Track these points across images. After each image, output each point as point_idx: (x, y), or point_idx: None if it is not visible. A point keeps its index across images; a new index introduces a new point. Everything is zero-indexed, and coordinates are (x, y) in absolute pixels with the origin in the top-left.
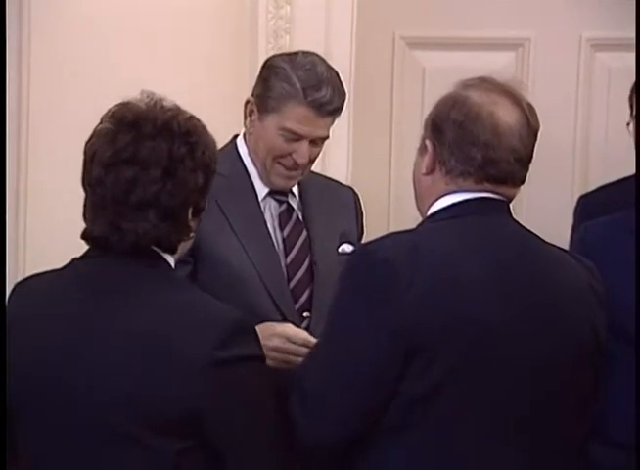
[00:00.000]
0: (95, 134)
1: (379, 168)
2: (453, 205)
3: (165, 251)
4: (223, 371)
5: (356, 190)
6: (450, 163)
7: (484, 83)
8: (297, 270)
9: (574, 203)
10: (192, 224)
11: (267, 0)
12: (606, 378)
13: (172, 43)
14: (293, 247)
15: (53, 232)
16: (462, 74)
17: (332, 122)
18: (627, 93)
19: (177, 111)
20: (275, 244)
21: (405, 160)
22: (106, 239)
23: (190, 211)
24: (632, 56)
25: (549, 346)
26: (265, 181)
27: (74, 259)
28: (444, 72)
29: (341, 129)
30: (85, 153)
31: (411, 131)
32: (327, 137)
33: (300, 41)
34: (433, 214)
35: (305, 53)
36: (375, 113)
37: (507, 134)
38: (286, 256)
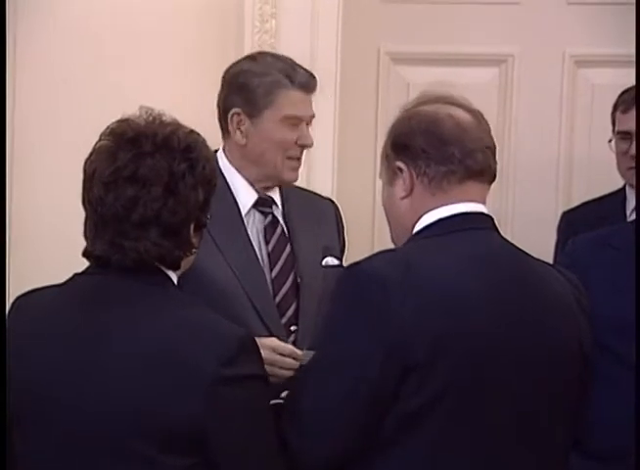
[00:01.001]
0: (94, 152)
1: (364, 182)
2: (440, 220)
3: (168, 267)
4: (228, 389)
5: (341, 203)
6: (430, 169)
7: (425, 98)
8: (283, 284)
9: (558, 217)
10: (194, 240)
11: (253, 14)
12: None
13: (159, 56)
14: (278, 261)
15: (40, 244)
16: (446, 89)
17: None
18: (610, 109)
19: (177, 126)
20: (260, 258)
21: None
22: (107, 258)
23: (192, 226)
24: (615, 72)
25: (539, 361)
26: (276, 181)
27: (75, 275)
28: (429, 87)
29: (326, 143)
30: (85, 171)
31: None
32: (314, 116)
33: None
34: (419, 232)
35: (258, 53)
36: (360, 127)
37: (470, 128)
38: (271, 270)
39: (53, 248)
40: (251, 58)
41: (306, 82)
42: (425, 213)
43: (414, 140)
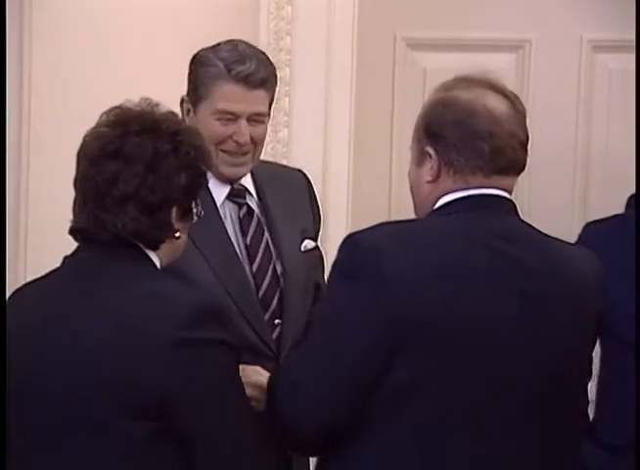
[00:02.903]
0: (88, 135)
1: (380, 168)
2: (457, 200)
3: (147, 246)
4: (187, 352)
5: (357, 190)
6: (459, 162)
7: (464, 81)
8: (264, 277)
9: (575, 204)
10: (177, 226)
11: (268, 1)
12: (602, 381)
13: (172, 47)
14: (257, 253)
15: (53, 238)
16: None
17: (268, 97)
18: (628, 94)
19: (170, 115)
20: (238, 251)
21: (407, 160)
22: (87, 231)
23: (174, 210)
24: (633, 57)
25: (537, 344)
26: (215, 174)
27: (65, 257)
28: (445, 74)
29: (342, 130)
30: (78, 154)
31: (412, 132)
32: (265, 114)
33: (301, 42)
34: (437, 209)
35: (227, 41)
36: (376, 113)
37: (505, 121)
38: (251, 264)
39: (68, 242)
40: (217, 44)
41: (247, 75)
42: (445, 195)
43: (446, 131)
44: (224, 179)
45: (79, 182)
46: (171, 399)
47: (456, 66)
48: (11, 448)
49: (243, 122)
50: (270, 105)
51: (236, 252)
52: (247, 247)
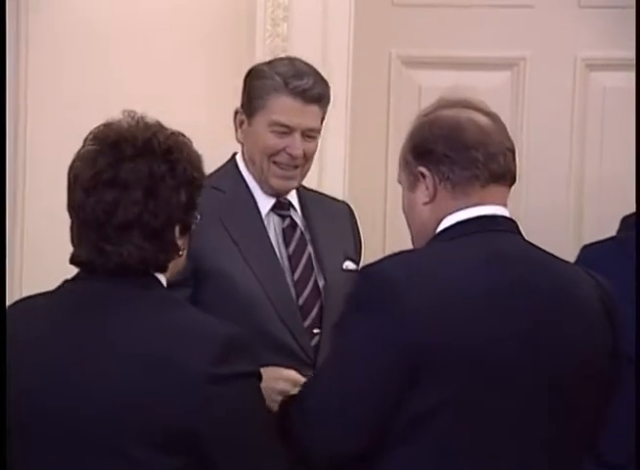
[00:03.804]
0: (78, 157)
1: (375, 185)
2: (458, 223)
3: (155, 270)
4: (219, 387)
5: (353, 206)
6: (454, 174)
7: (443, 103)
8: (305, 287)
9: (570, 220)
10: (180, 242)
11: (264, 18)
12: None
13: (170, 60)
14: (298, 263)
15: (51, 250)
16: (463, 93)
17: (321, 113)
18: (622, 112)
19: (158, 128)
20: (280, 261)
21: None
22: (92, 263)
23: (177, 229)
24: (627, 75)
25: (553, 366)
26: (265, 187)
27: (65, 281)
28: (440, 91)
29: (337, 147)
30: (68, 176)
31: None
32: (318, 130)
33: None
34: (439, 234)
35: (283, 57)
36: (371, 131)
37: (492, 131)
38: (292, 273)
39: (66, 253)
40: (273, 60)
41: (304, 90)
42: (445, 217)
43: (436, 145)
44: (272, 192)
45: (75, 211)
46: (202, 435)
47: (451, 83)
48: None
49: (297, 136)
50: (322, 122)
51: (278, 260)
52: (289, 257)
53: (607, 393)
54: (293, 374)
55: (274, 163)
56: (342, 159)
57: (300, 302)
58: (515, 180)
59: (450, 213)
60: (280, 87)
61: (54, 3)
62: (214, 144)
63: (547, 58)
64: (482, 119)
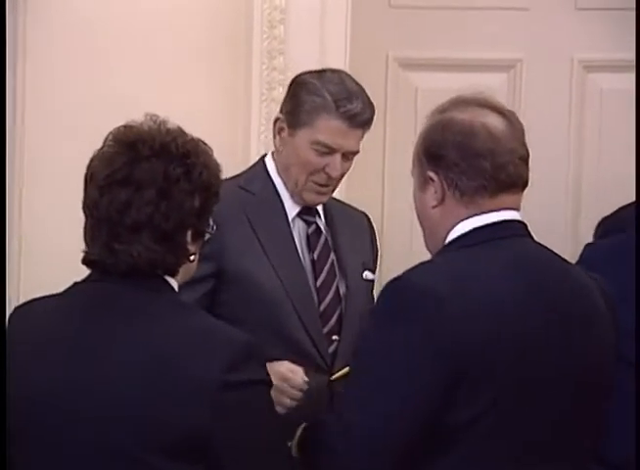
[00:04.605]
0: (96, 157)
1: (372, 187)
2: (475, 229)
3: (163, 273)
4: (231, 394)
5: None
6: (462, 182)
7: (459, 102)
8: (327, 293)
9: (568, 223)
10: (191, 248)
11: (261, 21)
12: None
13: (167, 65)
14: (322, 269)
15: (51, 251)
16: (455, 95)
17: (362, 136)
18: (619, 114)
19: (178, 133)
20: (304, 265)
21: (398, 179)
22: (102, 262)
23: (189, 234)
24: (624, 77)
25: (582, 367)
26: (296, 198)
27: (76, 283)
28: (437, 93)
29: None
30: (85, 175)
31: (404, 151)
32: (358, 152)
33: (294, 62)
34: (454, 241)
35: (333, 70)
36: (368, 132)
37: (504, 138)
38: (315, 278)
39: (64, 254)
40: (322, 72)
41: (354, 115)
42: (458, 223)
43: (447, 151)
44: (303, 203)
45: (89, 209)
46: (212, 442)
47: (448, 85)
48: None
49: (338, 157)
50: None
51: (302, 265)
52: (312, 262)
53: (612, 394)
54: (281, 369)
55: (312, 180)
56: None
57: (322, 308)
58: (526, 185)
59: (463, 220)
60: (331, 109)
61: (52, 2)
62: (213, 146)
63: (544, 60)
64: (496, 124)
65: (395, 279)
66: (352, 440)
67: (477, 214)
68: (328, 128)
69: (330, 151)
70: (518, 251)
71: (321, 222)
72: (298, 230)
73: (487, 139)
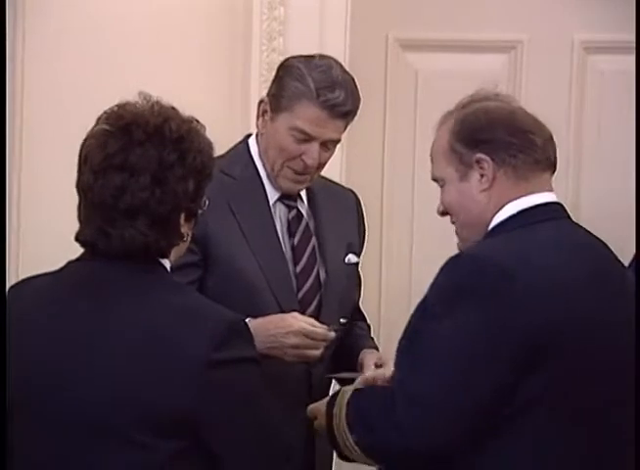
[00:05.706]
0: (91, 135)
1: (372, 169)
2: (523, 211)
3: (158, 256)
4: (219, 372)
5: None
6: (517, 158)
7: (480, 97)
8: (307, 280)
9: (568, 203)
10: (184, 229)
11: (261, 2)
12: None
13: (166, 45)
14: (302, 255)
15: (48, 237)
16: (455, 76)
17: (345, 127)
18: (619, 95)
19: (171, 114)
20: (284, 250)
21: (398, 161)
22: (94, 244)
23: (182, 216)
24: (625, 59)
25: (629, 348)
26: (273, 184)
27: (70, 262)
28: (437, 74)
29: None
30: (80, 154)
31: (404, 132)
32: (338, 141)
33: (294, 43)
34: (501, 223)
35: (322, 56)
36: (368, 114)
37: (539, 120)
38: (295, 264)
39: (61, 240)
40: (310, 57)
41: (334, 105)
42: (505, 205)
43: (496, 132)
44: (280, 190)
45: (83, 191)
46: (201, 419)
47: (448, 66)
48: (28, 458)
49: (315, 145)
50: (343, 132)
51: (282, 250)
52: (293, 248)
53: None
54: (301, 325)
55: (288, 166)
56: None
57: (300, 294)
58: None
59: (510, 201)
60: (311, 97)
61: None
62: (211, 126)
63: (545, 41)
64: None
65: (461, 253)
66: (415, 414)
67: (522, 196)
68: (307, 116)
69: (308, 138)
70: (568, 233)
71: (303, 206)
72: (279, 215)
73: (529, 118)
